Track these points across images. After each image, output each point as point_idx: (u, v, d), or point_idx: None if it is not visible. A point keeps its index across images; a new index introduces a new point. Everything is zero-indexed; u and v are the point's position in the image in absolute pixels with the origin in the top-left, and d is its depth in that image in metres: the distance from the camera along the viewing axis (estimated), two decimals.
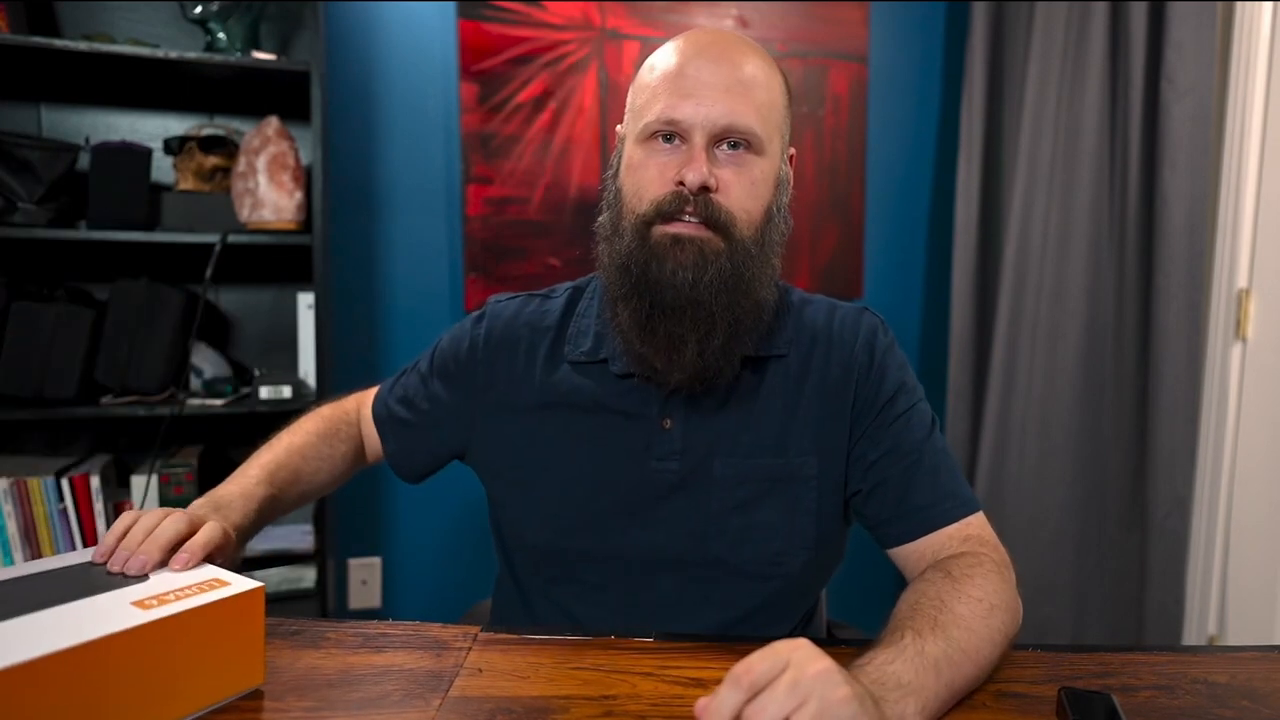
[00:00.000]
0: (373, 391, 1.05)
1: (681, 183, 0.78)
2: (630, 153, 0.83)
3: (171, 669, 0.59)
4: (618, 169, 0.86)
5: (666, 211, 0.79)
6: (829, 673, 0.51)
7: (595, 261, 0.88)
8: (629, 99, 0.87)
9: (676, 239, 0.78)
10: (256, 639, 0.65)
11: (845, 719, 0.50)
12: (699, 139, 0.78)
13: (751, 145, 0.80)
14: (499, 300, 0.97)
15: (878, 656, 0.61)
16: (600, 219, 0.87)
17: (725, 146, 0.79)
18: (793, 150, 0.88)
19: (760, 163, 0.81)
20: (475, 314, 0.98)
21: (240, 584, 0.65)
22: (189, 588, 0.63)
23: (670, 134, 0.80)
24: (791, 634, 0.90)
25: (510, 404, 0.91)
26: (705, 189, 0.78)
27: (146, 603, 0.60)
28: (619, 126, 0.89)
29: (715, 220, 0.78)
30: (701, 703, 0.51)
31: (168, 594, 0.62)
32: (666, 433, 0.86)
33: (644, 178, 0.80)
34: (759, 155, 0.80)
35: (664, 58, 0.82)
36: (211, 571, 0.68)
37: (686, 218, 0.78)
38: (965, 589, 0.71)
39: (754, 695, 0.50)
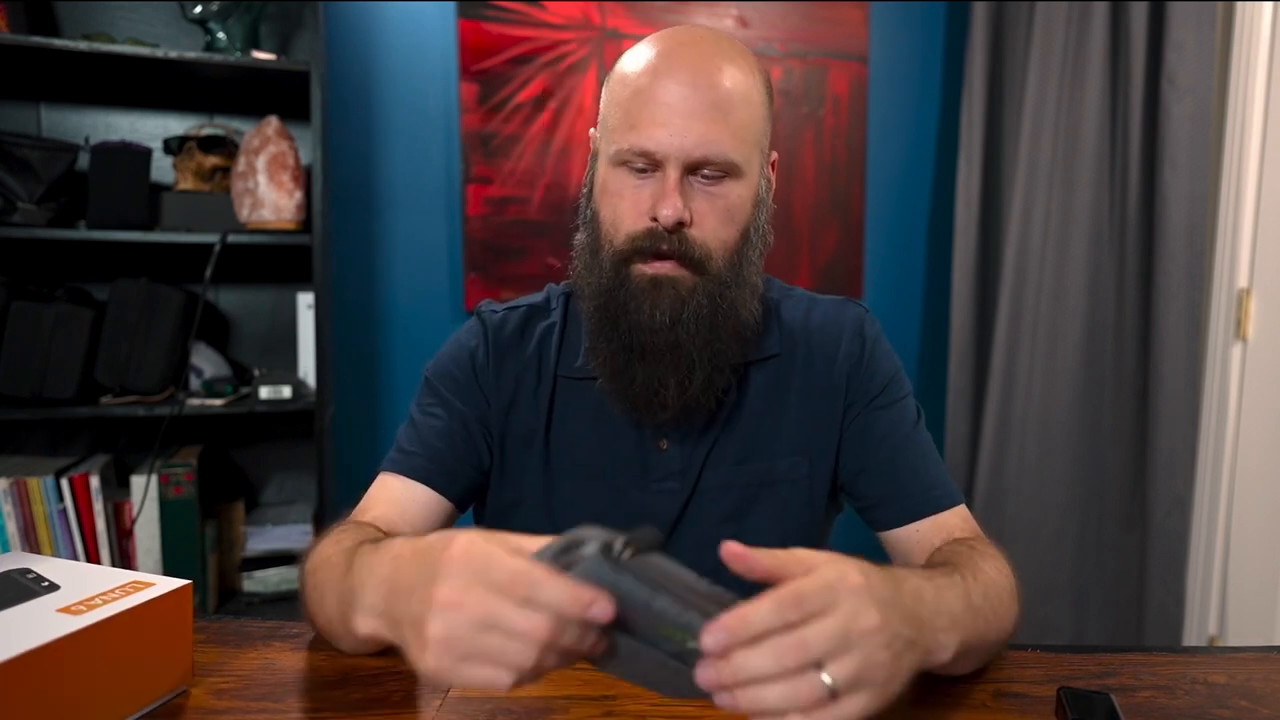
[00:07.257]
0: (374, 488, 0.84)
1: (656, 218, 0.75)
2: (604, 175, 0.80)
3: (104, 674, 0.58)
4: (592, 188, 0.82)
5: (643, 248, 0.76)
6: (876, 632, 0.48)
7: (574, 278, 0.84)
8: (603, 105, 0.82)
9: (654, 281, 0.76)
10: (185, 638, 0.65)
11: (881, 681, 0.48)
12: (672, 171, 0.74)
13: (728, 172, 0.76)
14: (494, 310, 0.90)
15: (937, 577, 0.61)
16: (578, 238, 0.84)
17: (700, 176, 0.76)
18: (774, 154, 0.84)
19: (737, 188, 0.77)
20: (469, 325, 0.90)
21: (166, 583, 0.64)
22: (112, 590, 0.62)
23: (642, 164, 0.77)
24: None
25: (512, 429, 0.87)
26: (680, 224, 0.75)
27: (74, 609, 0.59)
28: (594, 130, 0.84)
29: (690, 256, 0.76)
30: (736, 614, 0.47)
31: (93, 598, 0.61)
32: (664, 454, 0.85)
33: (618, 208, 0.78)
34: (736, 180, 0.77)
35: (636, 71, 0.77)
36: (131, 574, 0.66)
37: (663, 254, 0.76)
38: (989, 562, 0.70)
39: (793, 626, 0.46)
